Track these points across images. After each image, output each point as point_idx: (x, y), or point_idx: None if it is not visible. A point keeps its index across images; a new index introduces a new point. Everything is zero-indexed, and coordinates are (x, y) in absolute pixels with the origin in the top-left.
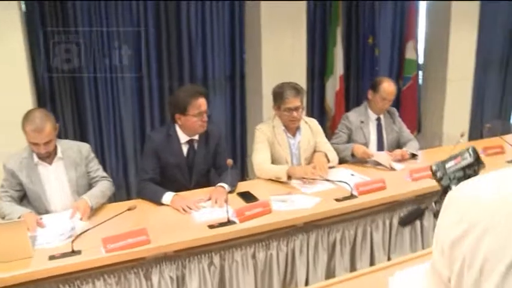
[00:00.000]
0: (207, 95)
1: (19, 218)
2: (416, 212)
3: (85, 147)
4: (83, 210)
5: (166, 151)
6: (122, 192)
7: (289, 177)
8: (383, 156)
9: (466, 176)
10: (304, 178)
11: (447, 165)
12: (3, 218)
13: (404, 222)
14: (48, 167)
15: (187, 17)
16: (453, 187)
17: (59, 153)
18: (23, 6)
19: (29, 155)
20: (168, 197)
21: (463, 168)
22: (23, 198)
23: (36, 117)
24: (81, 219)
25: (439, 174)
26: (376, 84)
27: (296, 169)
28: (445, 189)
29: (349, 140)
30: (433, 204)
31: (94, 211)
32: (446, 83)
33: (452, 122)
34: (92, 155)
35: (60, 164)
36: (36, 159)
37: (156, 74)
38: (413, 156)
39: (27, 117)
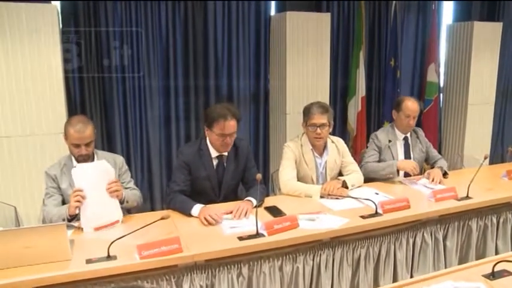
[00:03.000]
0: (238, 117)
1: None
2: None
3: (119, 159)
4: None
5: (197, 165)
6: (146, 204)
7: (321, 196)
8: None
9: None
10: (329, 195)
11: None
12: (50, 222)
13: None
14: None
15: (214, 37)
16: None
17: (96, 160)
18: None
19: (67, 161)
20: (196, 209)
21: None
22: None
23: (79, 120)
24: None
25: None
26: (399, 103)
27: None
28: None
29: (379, 159)
30: None
31: (128, 220)
32: (468, 106)
33: (473, 145)
34: (126, 167)
35: None
36: (75, 163)
37: (182, 91)
38: (445, 174)
39: (69, 121)
